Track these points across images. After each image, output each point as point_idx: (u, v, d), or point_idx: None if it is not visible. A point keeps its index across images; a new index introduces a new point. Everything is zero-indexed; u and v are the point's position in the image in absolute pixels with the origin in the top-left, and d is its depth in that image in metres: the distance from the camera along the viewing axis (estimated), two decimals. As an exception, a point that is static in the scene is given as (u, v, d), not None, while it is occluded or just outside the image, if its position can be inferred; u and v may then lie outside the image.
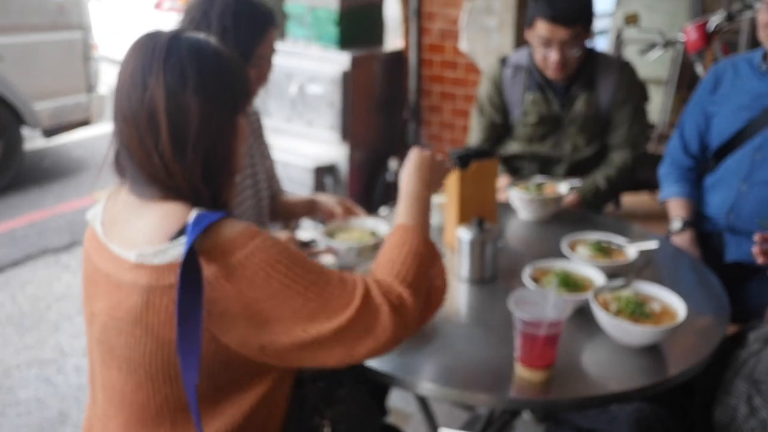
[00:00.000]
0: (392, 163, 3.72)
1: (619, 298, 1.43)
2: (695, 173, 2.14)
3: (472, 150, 1.80)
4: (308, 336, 1.01)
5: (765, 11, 1.83)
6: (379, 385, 1.43)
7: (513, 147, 2.37)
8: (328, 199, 1.97)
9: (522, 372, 1.28)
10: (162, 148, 1.01)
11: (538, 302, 1.27)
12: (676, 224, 2.06)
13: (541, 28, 2.10)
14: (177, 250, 0.99)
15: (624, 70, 2.26)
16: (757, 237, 1.60)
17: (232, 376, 1.07)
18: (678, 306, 1.41)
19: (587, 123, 2.26)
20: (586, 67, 2.23)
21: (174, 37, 1.05)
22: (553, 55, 2.11)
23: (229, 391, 1.08)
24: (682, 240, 2.01)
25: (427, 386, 1.29)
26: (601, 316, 1.37)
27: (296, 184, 3.54)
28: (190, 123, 1.02)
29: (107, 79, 5.42)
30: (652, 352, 1.37)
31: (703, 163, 2.12)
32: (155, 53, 1.02)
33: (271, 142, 2.07)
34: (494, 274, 1.66)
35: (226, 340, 1.02)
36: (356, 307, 1.03)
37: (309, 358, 1.04)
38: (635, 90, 2.26)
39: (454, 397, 1.32)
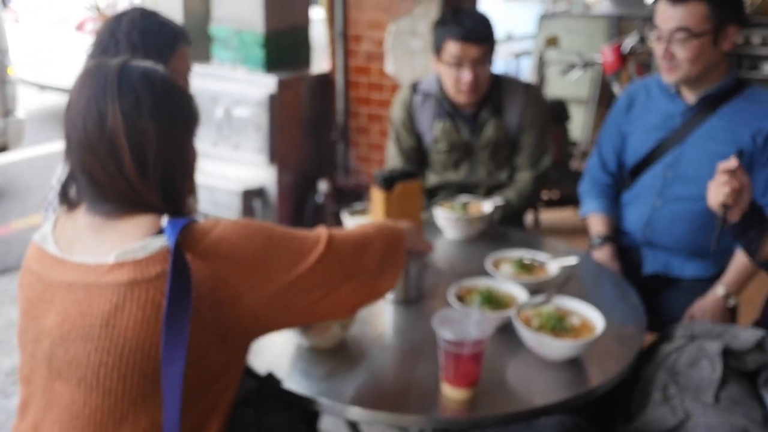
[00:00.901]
0: (321, 185, 3.72)
1: (540, 314, 1.46)
2: (613, 189, 2.22)
3: (397, 171, 1.82)
4: (297, 274, 1.10)
5: (659, 43, 1.90)
6: (309, 411, 1.42)
7: (431, 179, 2.40)
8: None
9: (448, 391, 1.29)
10: (127, 171, 1.08)
11: (461, 321, 1.28)
12: (596, 239, 2.12)
13: (452, 48, 2.14)
14: (159, 243, 1.05)
15: (529, 92, 2.32)
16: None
17: (205, 385, 1.09)
18: (596, 319, 1.45)
19: (498, 148, 2.31)
20: (493, 93, 2.28)
21: (124, 67, 1.11)
22: (467, 75, 2.15)
23: (200, 410, 1.10)
24: (603, 254, 2.08)
25: (354, 411, 1.29)
26: (523, 332, 1.40)
27: (223, 209, 3.49)
28: (150, 146, 1.08)
29: (26, 103, 5.23)
30: (574, 365, 1.41)
31: (620, 180, 2.20)
32: (107, 83, 1.08)
33: (198, 167, 2.03)
34: (419, 295, 1.67)
35: (242, 308, 1.07)
36: (325, 240, 1.15)
37: (314, 305, 1.15)
38: (541, 112, 2.32)
39: (382, 420, 1.31)
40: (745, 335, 1.52)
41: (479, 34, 2.14)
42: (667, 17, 1.86)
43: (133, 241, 1.07)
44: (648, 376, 1.42)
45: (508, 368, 1.42)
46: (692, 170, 1.96)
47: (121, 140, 1.06)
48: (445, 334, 1.25)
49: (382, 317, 1.62)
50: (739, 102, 1.93)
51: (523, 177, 2.33)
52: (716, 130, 1.93)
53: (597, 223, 2.17)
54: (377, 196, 1.80)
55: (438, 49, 2.21)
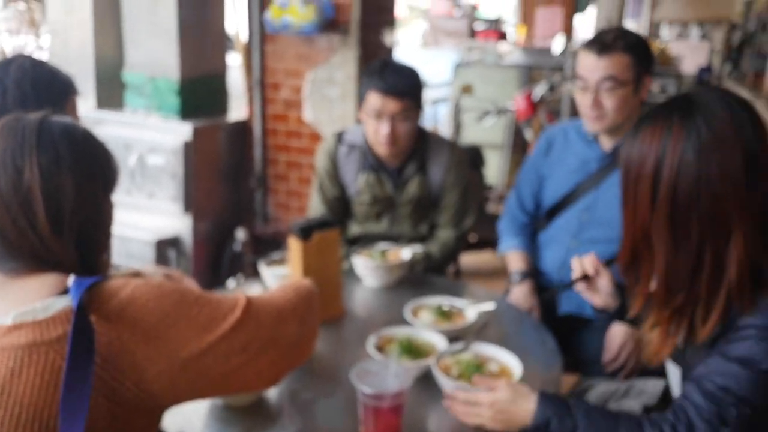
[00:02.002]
0: (239, 234, 3.65)
1: (459, 362, 1.46)
2: (531, 228, 2.29)
3: (314, 221, 1.81)
4: (210, 342, 1.03)
5: (585, 93, 1.97)
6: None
7: (353, 229, 2.40)
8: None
9: (368, 446, 1.26)
10: (39, 227, 1.03)
11: (379, 373, 1.27)
12: (515, 275, 2.16)
13: (373, 100, 2.16)
14: (62, 303, 0.99)
15: (453, 152, 2.34)
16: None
17: None
18: (514, 365, 1.47)
19: (420, 204, 2.33)
20: (419, 150, 2.31)
21: (43, 121, 1.08)
22: (384, 128, 2.16)
23: None
24: (522, 290, 2.12)
25: (272, 470, 1.24)
26: (443, 382, 1.39)
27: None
28: (66, 202, 1.05)
29: None
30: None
31: (537, 220, 2.27)
32: (26, 136, 1.05)
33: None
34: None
35: (148, 376, 1.00)
36: (243, 306, 1.09)
37: (232, 375, 1.07)
38: (463, 172, 2.35)
39: (301, 478, 1.27)
40: (651, 388, 1.58)
41: (400, 89, 2.15)
42: (593, 68, 1.94)
43: (34, 300, 1.01)
44: None
45: (429, 418, 1.41)
46: (606, 214, 2.04)
47: (36, 195, 1.03)
48: (364, 387, 1.23)
49: (299, 371, 1.59)
50: None
51: (446, 235, 2.35)
52: None
53: (516, 260, 2.22)
54: (295, 246, 1.78)
55: (361, 100, 2.22)
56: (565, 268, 2.10)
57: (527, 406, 1.27)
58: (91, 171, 1.10)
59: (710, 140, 1.14)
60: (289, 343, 1.15)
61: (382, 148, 2.22)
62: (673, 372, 1.38)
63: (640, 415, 1.27)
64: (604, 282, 1.60)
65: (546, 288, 2.18)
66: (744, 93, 11.85)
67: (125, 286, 1.03)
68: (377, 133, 2.19)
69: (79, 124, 1.14)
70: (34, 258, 1.05)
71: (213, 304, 1.07)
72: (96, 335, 0.97)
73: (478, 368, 1.44)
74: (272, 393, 1.47)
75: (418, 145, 2.30)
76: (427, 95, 6.27)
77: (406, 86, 2.17)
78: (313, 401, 1.48)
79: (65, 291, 1.01)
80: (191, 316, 1.04)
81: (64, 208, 1.05)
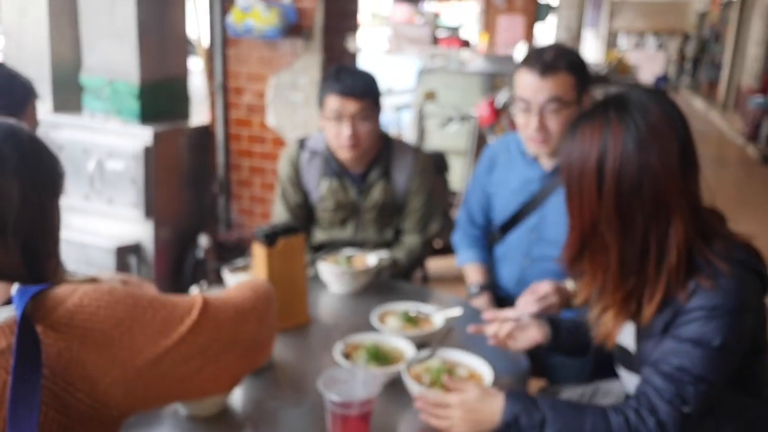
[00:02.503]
0: (202, 240, 3.59)
1: (429, 369, 1.45)
2: (485, 240, 2.27)
3: (279, 227, 1.78)
4: (166, 346, 0.99)
5: (528, 115, 1.91)
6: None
7: (317, 236, 2.38)
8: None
9: (336, 455, 1.24)
10: None
11: (347, 381, 1.25)
12: (473, 289, 2.16)
13: (332, 103, 2.16)
14: (5, 313, 0.94)
15: (417, 158, 2.34)
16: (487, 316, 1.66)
17: None
18: (483, 369, 1.47)
19: (384, 210, 2.32)
20: (383, 155, 2.30)
21: None
22: (346, 129, 2.16)
23: None
24: (480, 303, 2.11)
25: (237, 482, 1.21)
26: (415, 390, 1.38)
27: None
28: (10, 207, 1.00)
29: None
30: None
31: (490, 233, 2.26)
32: None
33: (67, 222, 1.93)
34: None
35: (101, 387, 0.94)
36: (199, 307, 1.04)
37: (191, 379, 1.03)
38: (427, 178, 2.35)
39: (267, 490, 1.24)
40: (617, 389, 1.63)
41: (358, 90, 2.16)
42: (537, 89, 1.87)
43: None
44: None
45: (398, 425, 1.39)
46: (553, 234, 2.03)
47: None
48: (332, 396, 1.21)
49: (265, 376, 1.56)
50: None
51: (411, 240, 2.34)
52: None
53: (473, 273, 2.21)
54: (259, 252, 1.75)
55: (321, 105, 2.21)
56: (521, 284, 2.09)
57: (495, 405, 1.29)
58: (37, 175, 1.05)
59: (648, 132, 1.21)
60: (248, 344, 1.11)
61: (344, 152, 2.21)
62: (626, 377, 1.43)
63: (604, 405, 1.30)
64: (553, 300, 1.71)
65: (505, 299, 2.17)
66: (698, 102, 12.18)
67: (73, 294, 0.97)
68: (339, 136, 2.18)
69: (24, 126, 1.09)
70: None
71: (168, 307, 1.02)
72: (43, 346, 0.92)
73: (448, 374, 1.43)
74: (237, 403, 1.44)
75: (382, 150, 2.30)
76: (391, 102, 6.29)
77: (363, 86, 2.18)
78: (279, 410, 1.45)
79: (9, 301, 0.96)
80: (145, 322, 0.99)
81: (7, 213, 1.00)
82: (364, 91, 2.18)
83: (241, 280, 1.38)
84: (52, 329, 0.93)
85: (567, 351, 1.64)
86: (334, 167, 2.29)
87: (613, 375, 1.61)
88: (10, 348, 0.91)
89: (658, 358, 1.25)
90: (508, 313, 1.64)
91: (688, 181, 1.24)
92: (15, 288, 0.96)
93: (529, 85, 1.89)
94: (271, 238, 1.74)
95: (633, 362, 1.37)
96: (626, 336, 1.39)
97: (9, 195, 1.00)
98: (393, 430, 1.37)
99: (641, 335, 1.33)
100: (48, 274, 1.08)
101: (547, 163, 2.04)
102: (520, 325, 1.60)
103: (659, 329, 1.27)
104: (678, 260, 1.22)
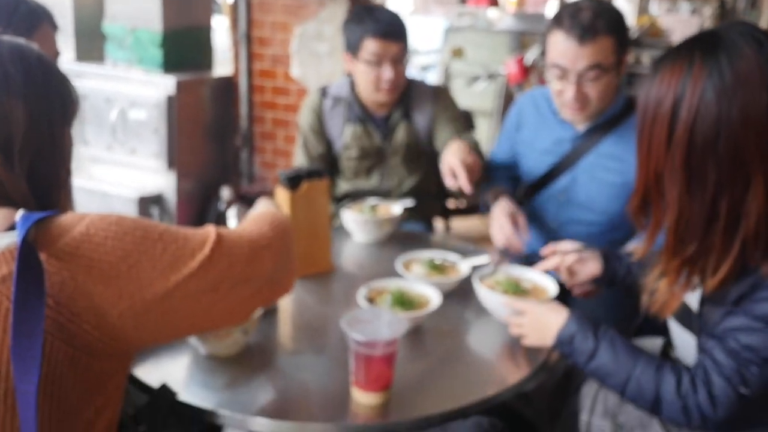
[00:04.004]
0: (224, 192, 3.56)
1: (499, 282, 1.56)
2: (512, 181, 2.12)
3: (303, 170, 1.74)
4: (176, 281, 0.95)
5: (564, 84, 1.79)
6: (209, 425, 1.30)
7: (341, 186, 2.33)
8: None
9: (359, 396, 1.21)
10: None
11: (372, 322, 1.21)
12: (491, 198, 1.95)
13: (371, 46, 2.08)
14: (8, 239, 0.90)
15: (438, 95, 2.27)
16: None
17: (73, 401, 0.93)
18: (547, 283, 1.57)
19: (409, 152, 2.25)
20: (404, 97, 2.24)
21: None
22: (388, 72, 2.10)
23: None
24: (502, 205, 1.87)
25: (259, 422, 1.18)
26: (489, 297, 1.49)
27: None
28: (17, 129, 0.95)
29: None
30: (487, 365, 1.37)
31: (516, 193, 2.09)
32: None
33: (89, 172, 1.90)
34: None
35: (109, 319, 0.91)
36: (213, 242, 1.00)
37: (202, 314, 1.00)
38: (451, 111, 2.27)
39: (289, 430, 1.21)
40: (650, 345, 1.52)
41: (398, 31, 2.10)
42: (575, 56, 1.73)
43: None
44: (585, 425, 1.37)
45: (420, 371, 1.35)
46: (584, 197, 1.93)
47: None
48: (355, 335, 1.17)
49: (287, 320, 1.53)
50: (628, 127, 1.85)
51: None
52: (606, 158, 1.89)
53: (494, 190, 2.01)
54: (282, 196, 1.71)
55: (354, 48, 2.13)
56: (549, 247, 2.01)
57: (560, 319, 1.32)
58: (45, 97, 1.00)
59: (733, 81, 1.06)
60: (263, 281, 1.06)
61: (382, 95, 2.15)
62: (678, 333, 1.32)
63: (663, 361, 1.23)
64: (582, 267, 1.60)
65: (532, 260, 2.08)
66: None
67: (80, 222, 0.93)
68: (379, 80, 2.11)
69: (34, 46, 1.03)
70: None
71: (180, 240, 0.98)
72: (46, 274, 0.88)
73: (516, 285, 1.53)
74: (257, 344, 1.41)
75: (404, 91, 2.24)
76: (417, 61, 6.18)
77: (400, 27, 2.12)
78: (300, 353, 1.43)
79: (13, 227, 0.92)
80: (155, 255, 0.94)
81: (12, 135, 0.95)
82: (402, 32, 2.13)
83: (262, 208, 1.33)
84: (56, 258, 0.90)
85: (625, 287, 1.59)
86: (357, 112, 2.23)
87: (646, 332, 1.54)
88: (11, 274, 0.87)
89: (724, 333, 1.14)
90: (567, 245, 1.62)
91: None
92: (19, 214, 0.92)
93: (567, 52, 1.73)
94: (294, 182, 1.70)
95: (692, 321, 1.26)
96: (689, 293, 1.27)
97: (14, 116, 0.96)
98: (415, 377, 1.33)
99: (708, 299, 1.21)
100: (56, 204, 1.04)
101: (580, 124, 1.92)
102: (581, 258, 1.58)
103: (732, 299, 1.15)
104: (757, 228, 1.08)
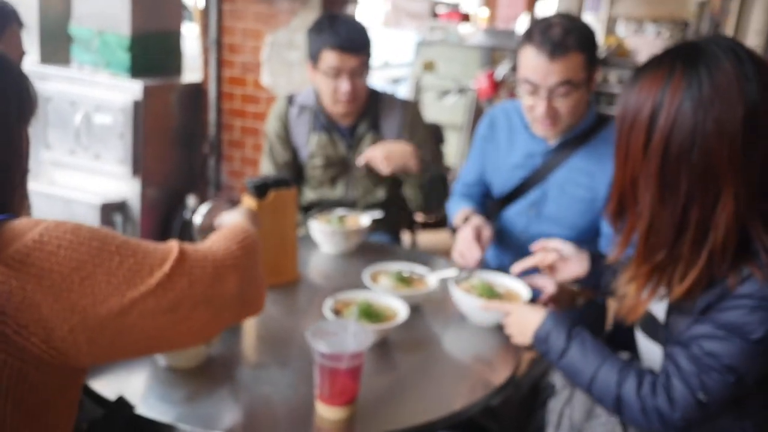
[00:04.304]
0: (190, 200, 3.51)
1: (474, 286, 1.61)
2: (482, 200, 2.13)
3: (270, 179, 1.71)
4: (132, 298, 0.89)
5: (535, 99, 1.78)
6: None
7: (307, 195, 2.30)
8: None
9: (323, 411, 1.18)
10: None
11: (338, 333, 1.18)
12: (459, 218, 1.96)
13: (329, 59, 2.06)
14: None
15: (407, 108, 2.26)
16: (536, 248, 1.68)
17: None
18: (519, 288, 1.63)
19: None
20: (371, 108, 2.22)
21: None
22: (345, 85, 2.08)
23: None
24: (470, 224, 1.86)
25: (218, 436, 1.14)
26: (466, 301, 1.54)
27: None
28: None
29: None
30: (454, 379, 1.35)
31: (487, 206, 2.12)
32: None
33: (51, 177, 1.84)
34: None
35: (59, 334, 0.85)
36: (174, 259, 0.94)
37: (159, 334, 0.94)
38: (420, 128, 2.27)
39: (249, 445, 1.18)
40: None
41: (357, 44, 2.07)
42: (545, 72, 1.72)
43: None
44: None
45: (386, 385, 1.33)
46: (554, 211, 1.93)
47: None
48: (320, 347, 1.14)
49: (250, 331, 1.49)
50: (599, 143, 1.87)
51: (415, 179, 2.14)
52: (576, 173, 1.89)
53: (461, 212, 2.01)
54: (248, 205, 1.67)
55: (314, 58, 2.12)
56: (518, 260, 2.00)
57: (537, 318, 1.38)
58: (0, 94, 0.95)
59: (710, 93, 1.07)
60: (226, 303, 1.01)
61: (340, 106, 2.14)
62: (644, 344, 1.33)
63: (630, 363, 1.25)
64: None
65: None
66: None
67: (33, 228, 0.88)
68: (336, 92, 2.10)
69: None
70: None
71: (139, 254, 0.92)
72: None
73: (490, 289, 1.58)
74: (220, 355, 1.37)
75: (370, 103, 2.22)
76: (388, 74, 6.20)
77: (361, 40, 2.09)
78: (264, 365, 1.39)
79: None
80: (111, 268, 0.89)
81: None
82: (363, 45, 2.09)
83: (232, 219, 1.30)
84: (4, 264, 0.84)
85: (606, 292, 1.59)
86: (323, 121, 2.21)
87: (619, 348, 1.54)
88: None
89: (689, 339, 1.15)
90: (554, 243, 1.65)
91: (750, 153, 1.07)
92: None
93: (537, 68, 1.73)
94: (261, 190, 1.67)
95: (658, 332, 1.27)
96: (656, 303, 1.29)
97: None
98: (381, 390, 1.30)
99: (675, 309, 1.22)
100: (9, 207, 0.98)
101: (552, 139, 1.92)
102: (564, 257, 1.61)
103: (699, 309, 1.15)
104: (725, 242, 1.09)
